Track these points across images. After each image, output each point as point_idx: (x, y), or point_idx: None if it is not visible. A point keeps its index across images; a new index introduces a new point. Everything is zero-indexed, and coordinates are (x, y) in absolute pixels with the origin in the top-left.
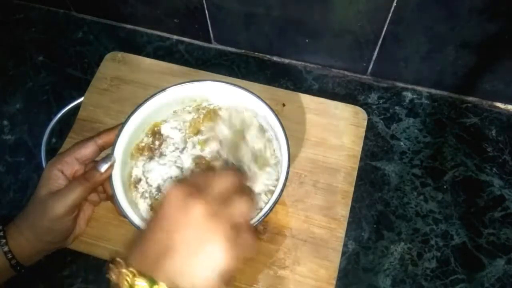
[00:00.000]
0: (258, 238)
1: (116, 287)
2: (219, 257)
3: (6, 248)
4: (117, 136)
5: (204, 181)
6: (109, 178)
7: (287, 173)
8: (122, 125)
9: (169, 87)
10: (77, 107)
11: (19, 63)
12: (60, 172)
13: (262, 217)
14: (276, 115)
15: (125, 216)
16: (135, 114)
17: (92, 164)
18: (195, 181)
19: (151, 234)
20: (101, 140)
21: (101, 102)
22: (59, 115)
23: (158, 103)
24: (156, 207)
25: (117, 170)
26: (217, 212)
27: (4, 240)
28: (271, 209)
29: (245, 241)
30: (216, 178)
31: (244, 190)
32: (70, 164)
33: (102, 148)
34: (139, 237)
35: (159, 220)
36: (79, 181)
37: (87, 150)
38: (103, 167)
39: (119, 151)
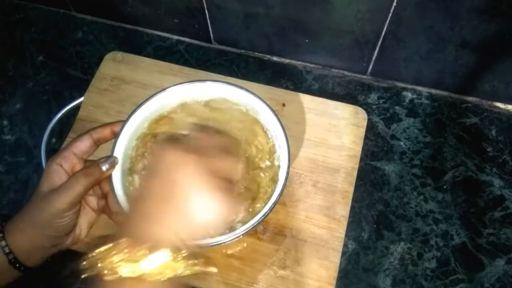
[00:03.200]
0: (258, 238)
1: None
2: (213, 206)
3: (3, 243)
4: (117, 136)
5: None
6: (109, 177)
7: (287, 173)
8: (122, 125)
9: (169, 87)
10: (77, 107)
11: (19, 63)
12: (59, 166)
13: (262, 217)
14: (276, 116)
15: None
16: (135, 114)
17: (93, 161)
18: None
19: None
20: (96, 135)
21: (101, 102)
22: (59, 115)
23: (159, 103)
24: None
25: (118, 170)
26: (206, 165)
27: (1, 235)
28: (271, 209)
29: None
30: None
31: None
32: (68, 158)
33: (97, 142)
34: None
35: (144, 195)
36: (79, 177)
37: (83, 144)
38: (105, 166)
39: (119, 151)
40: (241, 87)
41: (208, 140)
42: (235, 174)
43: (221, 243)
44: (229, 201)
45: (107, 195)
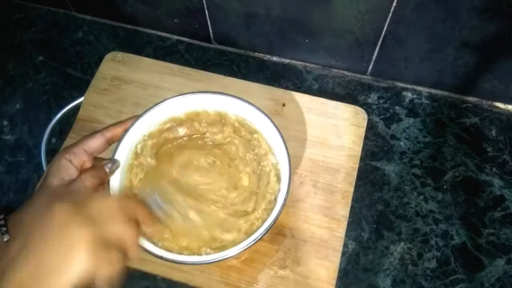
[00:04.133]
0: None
1: None
2: (75, 265)
3: (7, 237)
4: (118, 142)
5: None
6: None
7: (287, 193)
8: (123, 132)
9: (169, 98)
10: (77, 107)
11: (19, 63)
12: (69, 161)
13: (268, 228)
14: (281, 134)
15: None
16: (136, 123)
17: (100, 162)
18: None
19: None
20: (109, 133)
21: (101, 102)
22: (59, 115)
23: (160, 114)
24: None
25: (117, 176)
26: (83, 219)
27: (5, 229)
28: (274, 220)
29: (111, 258)
30: (100, 198)
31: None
32: (78, 155)
33: (110, 141)
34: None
35: (19, 223)
36: (90, 175)
37: (95, 142)
38: (108, 168)
39: (121, 155)
40: (242, 99)
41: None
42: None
43: (224, 259)
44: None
45: None
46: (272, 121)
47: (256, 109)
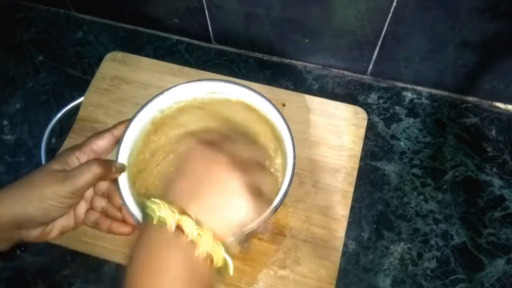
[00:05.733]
0: (257, 238)
1: (162, 225)
2: (242, 210)
3: None
4: (120, 142)
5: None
6: (116, 181)
7: (291, 177)
8: (124, 130)
9: (172, 87)
10: (77, 107)
11: (19, 63)
12: (77, 159)
13: (266, 219)
14: (285, 121)
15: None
16: (136, 118)
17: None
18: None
19: (178, 184)
20: (118, 132)
21: (101, 102)
22: (59, 115)
23: (162, 105)
24: (176, 163)
25: (124, 178)
26: (240, 169)
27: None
28: (273, 212)
29: (263, 202)
30: (234, 144)
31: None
32: (87, 154)
33: (118, 140)
34: (165, 189)
35: (184, 173)
36: (93, 163)
37: (104, 141)
38: (115, 166)
39: (123, 157)
40: (253, 90)
41: (245, 151)
42: (266, 190)
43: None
44: (256, 209)
45: (110, 198)
46: (281, 114)
47: (266, 100)
